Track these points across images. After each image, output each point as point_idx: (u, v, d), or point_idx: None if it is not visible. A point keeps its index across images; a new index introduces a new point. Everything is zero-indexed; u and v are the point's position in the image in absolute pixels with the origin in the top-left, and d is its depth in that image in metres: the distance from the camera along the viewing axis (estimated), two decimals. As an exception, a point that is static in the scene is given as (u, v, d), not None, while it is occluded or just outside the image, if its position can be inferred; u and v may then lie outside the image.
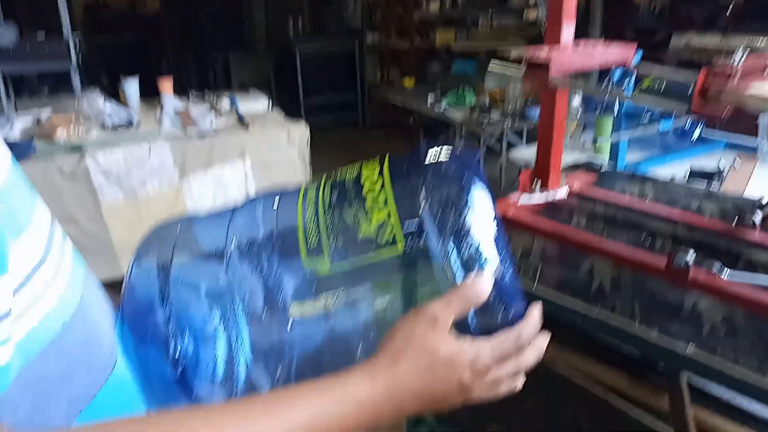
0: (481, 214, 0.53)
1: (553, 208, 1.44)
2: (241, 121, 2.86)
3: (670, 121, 2.20)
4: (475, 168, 0.57)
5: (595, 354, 1.25)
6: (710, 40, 2.62)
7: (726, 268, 1.09)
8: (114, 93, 3.09)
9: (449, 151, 0.58)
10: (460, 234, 0.51)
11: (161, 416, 0.43)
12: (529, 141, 3.96)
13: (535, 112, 3.54)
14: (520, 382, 0.55)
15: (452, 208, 0.52)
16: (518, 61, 1.27)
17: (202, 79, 6.71)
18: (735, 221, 1.23)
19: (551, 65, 1.18)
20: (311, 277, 0.54)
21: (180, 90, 3.22)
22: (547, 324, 0.55)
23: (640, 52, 1.84)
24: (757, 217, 1.18)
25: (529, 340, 0.53)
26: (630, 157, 2.37)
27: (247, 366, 0.53)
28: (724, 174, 2.22)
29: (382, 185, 0.56)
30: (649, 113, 2.14)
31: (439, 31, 5.65)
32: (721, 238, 1.26)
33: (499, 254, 0.53)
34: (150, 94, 3.14)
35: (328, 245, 0.53)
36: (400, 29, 5.99)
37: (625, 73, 1.36)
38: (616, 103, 2.08)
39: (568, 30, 1.30)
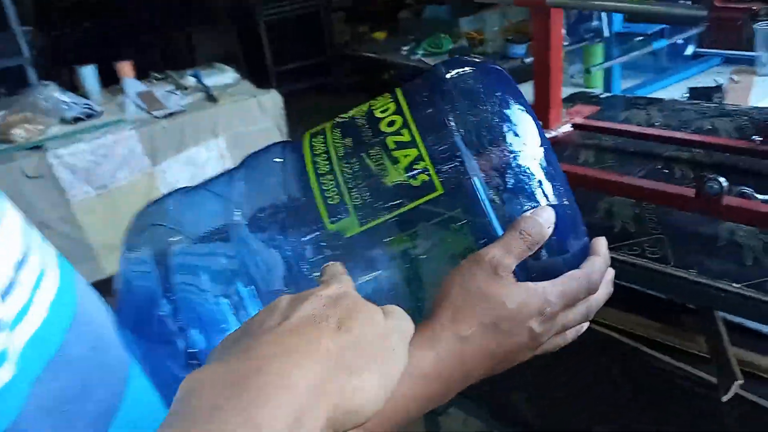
0: (525, 135, 0.44)
1: (557, 146, 1.31)
2: (210, 95, 2.69)
3: (664, 41, 2.06)
4: (506, 82, 0.47)
5: (621, 302, 1.14)
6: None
7: (757, 192, 0.98)
8: (75, 85, 2.90)
9: (471, 68, 0.48)
10: (506, 163, 0.42)
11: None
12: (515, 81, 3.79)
13: (516, 50, 3.38)
14: (585, 326, 0.47)
15: (491, 133, 0.43)
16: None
17: (166, 59, 6.44)
18: (762, 137, 1.11)
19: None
20: (338, 240, 0.44)
21: (143, 74, 3.04)
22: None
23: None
24: (786, 129, 1.06)
25: (600, 279, 0.45)
26: (623, 84, 2.25)
27: None
28: (725, 90, 2.10)
29: (404, 120, 0.46)
30: (643, 34, 2.00)
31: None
32: (745, 159, 1.14)
33: (554, 182, 0.44)
34: (113, 81, 2.96)
35: (351, 201, 0.44)
36: (365, -19, 5.74)
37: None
38: (605, 27, 1.94)
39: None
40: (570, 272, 0.44)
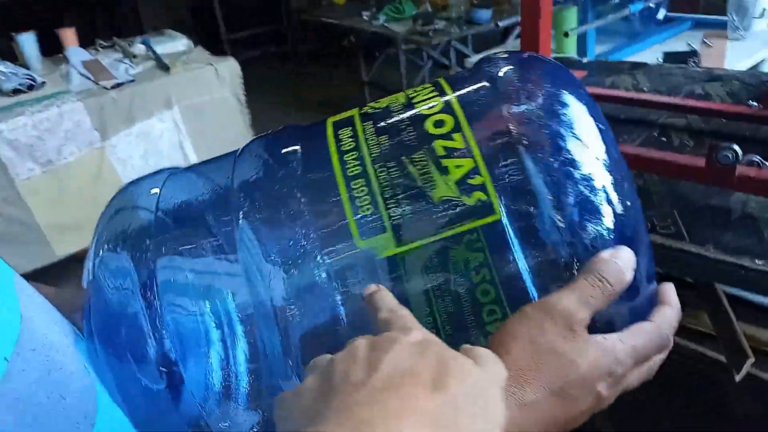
0: (602, 157, 0.35)
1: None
2: (162, 64, 2.51)
3: (641, 3, 1.99)
4: (568, 78, 0.39)
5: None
6: None
7: (764, 160, 0.92)
8: (12, 56, 2.67)
9: (539, 69, 0.40)
10: (580, 191, 0.34)
11: None
12: (477, 49, 3.71)
13: (482, 15, 3.28)
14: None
15: (557, 146, 0.35)
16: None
17: (111, 29, 6.10)
18: (760, 102, 1.05)
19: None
20: (370, 261, 0.36)
21: (88, 42, 2.82)
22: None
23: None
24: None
25: (672, 333, 0.38)
26: (598, 49, 2.18)
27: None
28: (700, 55, 2.06)
29: (455, 121, 0.38)
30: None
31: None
32: (744, 125, 1.09)
33: (629, 214, 0.36)
34: (55, 51, 2.74)
35: (388, 214, 0.37)
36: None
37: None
38: (581, -12, 1.86)
39: None
40: (639, 324, 0.37)
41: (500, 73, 0.41)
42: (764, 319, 0.99)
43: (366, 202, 0.37)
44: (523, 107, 0.37)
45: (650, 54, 2.21)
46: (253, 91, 2.77)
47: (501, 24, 3.23)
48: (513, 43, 2.85)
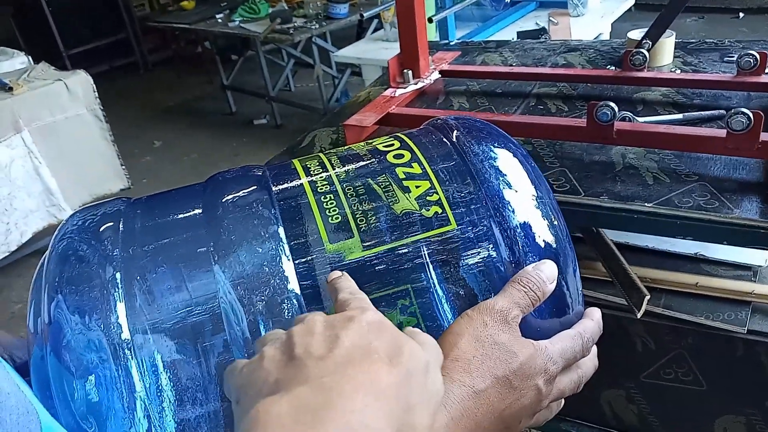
0: (526, 183, 0.45)
1: (429, 95, 1.27)
2: (2, 84, 2.27)
3: (492, -14, 2.11)
4: (498, 135, 0.50)
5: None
6: None
7: (634, 115, 1.02)
8: None
9: (473, 122, 0.51)
10: (508, 212, 0.43)
11: None
12: (336, 43, 3.73)
13: (339, 10, 3.31)
14: (562, 402, 0.46)
15: (498, 178, 0.44)
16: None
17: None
18: (618, 65, 1.16)
19: None
20: (336, 265, 0.41)
21: None
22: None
23: None
24: (644, 52, 1.12)
25: (592, 342, 0.45)
26: (457, 33, 2.28)
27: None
28: (548, 31, 2.23)
29: (412, 154, 0.47)
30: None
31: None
32: (608, 87, 1.19)
33: (556, 232, 0.44)
34: None
35: (355, 222, 0.42)
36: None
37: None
38: (438, -24, 1.93)
39: None
40: (564, 332, 0.44)
41: (445, 122, 0.50)
42: (651, 259, 1.10)
43: (335, 213, 0.42)
44: (473, 147, 0.46)
45: (505, 34, 2.35)
46: (107, 107, 2.59)
47: (365, 14, 3.27)
48: (374, 35, 2.90)
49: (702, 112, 1.03)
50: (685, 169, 0.90)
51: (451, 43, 1.65)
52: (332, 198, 0.43)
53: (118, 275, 0.38)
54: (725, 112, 1.02)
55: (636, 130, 0.92)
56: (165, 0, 5.23)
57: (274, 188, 0.44)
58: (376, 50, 2.43)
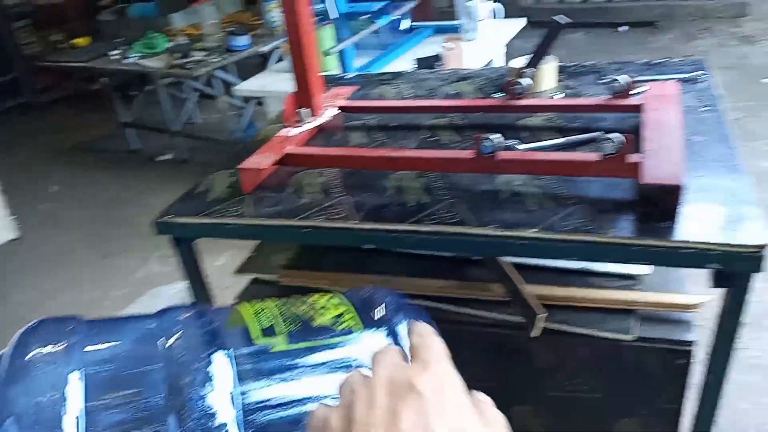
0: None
1: (328, 131, 1.29)
2: None
3: (387, 17, 2.17)
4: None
5: (423, 272, 1.18)
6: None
7: (519, 142, 1.08)
8: None
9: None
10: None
11: None
12: (244, 73, 3.70)
13: (239, 42, 3.29)
14: None
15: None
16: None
17: None
18: (502, 94, 1.22)
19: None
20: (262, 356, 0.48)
21: None
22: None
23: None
24: (525, 82, 1.19)
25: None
26: (356, 63, 2.32)
27: None
28: (443, 57, 2.31)
29: (330, 294, 0.56)
30: (367, 12, 2.07)
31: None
32: (496, 115, 1.25)
33: None
34: None
35: (283, 328, 0.50)
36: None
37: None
38: (332, 9, 1.96)
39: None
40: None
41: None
42: (545, 276, 1.15)
43: (267, 320, 0.50)
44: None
45: (403, 61, 2.41)
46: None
47: (265, 48, 3.27)
48: (276, 67, 2.91)
49: (582, 135, 1.10)
50: (566, 192, 0.96)
51: (348, 77, 1.68)
52: (266, 312, 0.52)
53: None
54: (604, 133, 1.10)
55: (517, 158, 0.98)
56: (56, 37, 5.01)
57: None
58: (278, 82, 2.43)
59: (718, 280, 0.86)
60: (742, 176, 0.93)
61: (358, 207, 1.01)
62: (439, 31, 2.62)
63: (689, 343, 0.98)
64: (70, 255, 3.03)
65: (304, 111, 1.23)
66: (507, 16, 2.77)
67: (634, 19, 4.94)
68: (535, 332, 1.02)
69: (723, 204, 0.87)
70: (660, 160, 0.89)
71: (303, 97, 1.23)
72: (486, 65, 2.54)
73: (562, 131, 1.16)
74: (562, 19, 1.16)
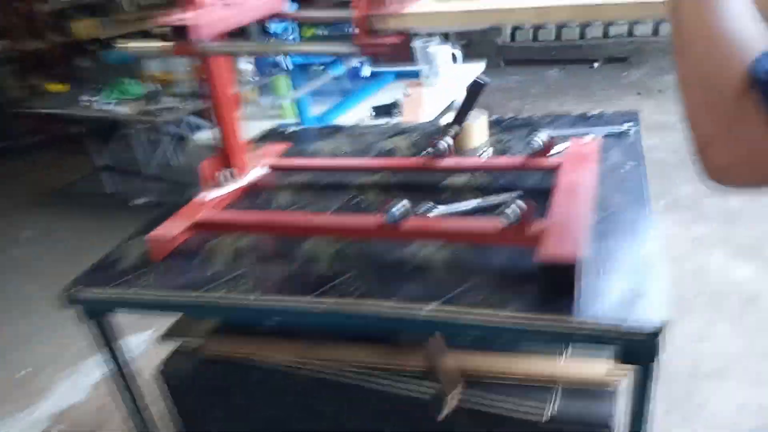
0: None
1: (252, 193, 1.26)
2: None
3: (341, 65, 2.17)
4: None
5: (345, 340, 1.15)
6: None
7: (435, 205, 1.05)
8: None
9: None
10: None
11: None
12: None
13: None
14: None
15: None
16: (161, 34, 1.03)
17: None
18: (428, 152, 1.20)
19: (192, 28, 0.97)
20: None
21: None
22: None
23: None
24: (445, 143, 1.17)
25: None
26: (314, 111, 2.31)
27: None
28: (401, 104, 2.30)
29: None
30: (321, 63, 2.08)
31: (78, 22, 4.97)
32: (422, 174, 1.23)
33: None
34: None
35: None
36: (31, 28, 5.12)
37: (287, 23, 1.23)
38: (283, 59, 1.97)
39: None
40: None
41: None
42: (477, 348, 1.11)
43: None
44: None
45: (364, 108, 2.41)
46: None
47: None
48: (244, 112, 2.90)
49: (498, 196, 1.08)
50: (474, 260, 0.93)
51: (292, 130, 1.66)
52: None
53: None
54: (517, 195, 1.08)
55: (422, 227, 0.95)
56: (35, 82, 5.05)
57: None
58: (239, 130, 2.42)
59: (624, 356, 0.83)
60: (652, 243, 0.91)
61: (264, 278, 0.98)
62: (401, 76, 2.62)
63: (607, 422, 0.94)
64: (31, 305, 2.99)
65: (225, 173, 1.21)
66: (482, 54, 2.78)
67: (608, 55, 4.99)
68: (445, 412, 0.98)
69: (626, 279, 0.84)
70: (560, 233, 0.86)
71: (225, 159, 1.21)
72: (449, 106, 2.55)
73: (484, 191, 1.14)
74: (482, 79, 1.15)
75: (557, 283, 0.81)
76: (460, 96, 2.74)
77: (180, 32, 0.96)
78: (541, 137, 1.10)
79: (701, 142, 0.58)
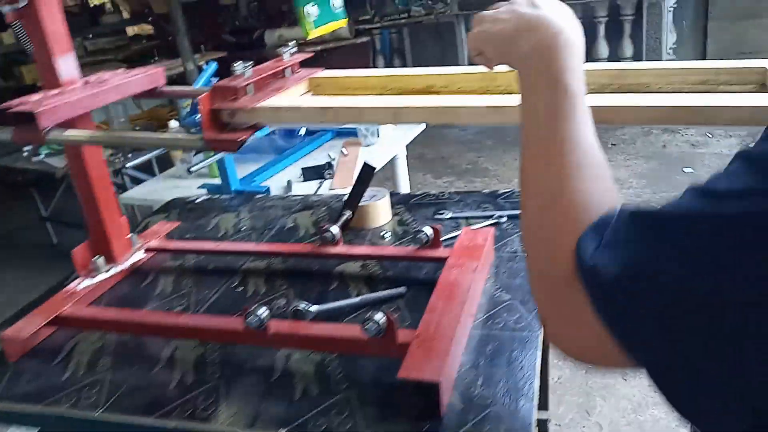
0: None
1: (134, 278, 1.17)
2: None
3: (265, 128, 2.11)
4: None
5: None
6: (298, 33, 2.62)
7: (311, 305, 0.96)
8: None
9: None
10: None
11: None
12: (162, 170, 3.60)
13: (150, 140, 3.21)
14: None
15: None
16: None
17: None
18: (317, 239, 1.12)
19: (41, 116, 0.89)
20: None
21: None
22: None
23: (214, 64, 1.67)
24: (334, 230, 1.09)
25: None
26: (245, 169, 2.23)
27: None
28: (335, 166, 2.24)
29: None
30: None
31: (27, 66, 4.88)
32: (311, 260, 1.15)
33: None
34: None
35: None
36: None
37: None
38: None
39: (65, 65, 1.03)
40: None
41: None
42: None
43: None
44: None
45: (297, 167, 2.34)
46: None
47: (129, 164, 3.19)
48: (166, 173, 2.79)
49: (381, 293, 1.00)
50: (340, 372, 0.84)
51: (198, 200, 1.58)
52: None
53: None
54: (404, 290, 1.00)
55: (289, 333, 0.87)
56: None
57: None
58: (166, 189, 2.33)
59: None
60: (531, 353, 0.83)
61: (115, 387, 0.88)
62: (340, 135, 2.57)
63: None
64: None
65: (99, 260, 1.11)
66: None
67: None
68: None
69: (504, 393, 0.76)
70: (429, 346, 0.78)
71: (97, 245, 1.12)
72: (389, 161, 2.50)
73: (375, 281, 1.06)
74: (372, 163, 1.08)
75: (422, 403, 0.73)
76: (401, 153, 2.71)
77: (23, 118, 0.88)
78: (427, 231, 1.03)
79: (540, 314, 0.52)
